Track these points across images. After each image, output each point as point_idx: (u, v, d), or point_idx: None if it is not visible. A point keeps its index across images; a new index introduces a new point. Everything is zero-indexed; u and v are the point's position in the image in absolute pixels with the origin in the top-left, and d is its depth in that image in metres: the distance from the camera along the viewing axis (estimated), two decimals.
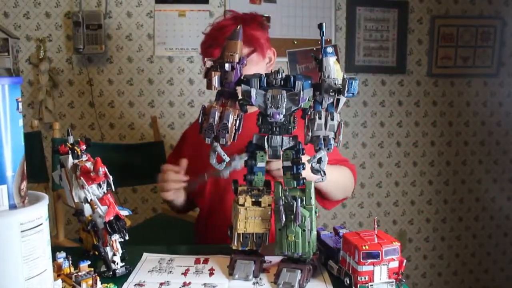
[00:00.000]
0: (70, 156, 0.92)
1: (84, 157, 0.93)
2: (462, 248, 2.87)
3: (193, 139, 1.48)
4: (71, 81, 2.49)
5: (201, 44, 1.40)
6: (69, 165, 0.92)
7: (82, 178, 0.90)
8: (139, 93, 2.53)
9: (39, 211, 0.69)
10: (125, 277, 0.92)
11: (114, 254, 0.93)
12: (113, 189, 0.94)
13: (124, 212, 0.97)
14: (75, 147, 0.93)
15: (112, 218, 0.92)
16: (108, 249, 0.93)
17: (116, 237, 0.93)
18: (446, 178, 2.80)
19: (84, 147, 0.95)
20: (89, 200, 0.92)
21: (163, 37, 2.49)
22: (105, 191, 0.94)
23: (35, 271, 0.68)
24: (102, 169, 0.90)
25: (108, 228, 0.92)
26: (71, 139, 0.95)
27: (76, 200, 0.92)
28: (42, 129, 2.35)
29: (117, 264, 0.93)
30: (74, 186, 0.92)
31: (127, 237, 0.95)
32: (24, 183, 0.71)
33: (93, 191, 0.92)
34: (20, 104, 0.69)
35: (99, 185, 0.93)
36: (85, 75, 2.48)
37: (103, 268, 0.93)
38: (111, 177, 0.93)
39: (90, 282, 0.83)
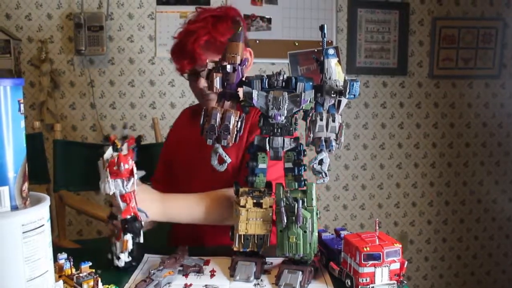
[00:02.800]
0: (110, 147, 0.92)
1: (125, 152, 0.93)
2: (463, 250, 2.86)
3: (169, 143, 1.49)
4: (73, 83, 2.49)
5: (171, 51, 1.28)
6: (105, 156, 0.92)
7: (107, 171, 0.90)
8: (140, 94, 2.53)
9: (41, 212, 0.69)
10: (126, 278, 0.92)
11: (122, 252, 0.94)
12: (135, 187, 0.93)
13: (141, 214, 0.96)
14: (116, 141, 0.92)
15: (128, 217, 0.93)
16: (118, 244, 0.94)
17: (128, 237, 0.94)
18: (448, 179, 2.79)
19: (133, 143, 0.95)
20: (110, 193, 0.92)
21: (164, 39, 2.50)
22: (128, 188, 0.93)
23: (36, 272, 0.68)
24: (125, 165, 0.89)
25: (122, 225, 0.93)
26: (125, 132, 0.95)
27: (102, 191, 0.92)
28: (44, 130, 2.35)
29: (121, 261, 0.94)
30: (103, 177, 0.92)
31: (141, 240, 0.96)
32: (26, 184, 0.71)
33: (116, 185, 0.91)
34: (21, 105, 0.69)
35: (126, 181, 0.92)
36: (86, 76, 2.48)
37: (109, 257, 0.96)
38: (136, 176, 0.92)
39: (91, 283, 0.83)
